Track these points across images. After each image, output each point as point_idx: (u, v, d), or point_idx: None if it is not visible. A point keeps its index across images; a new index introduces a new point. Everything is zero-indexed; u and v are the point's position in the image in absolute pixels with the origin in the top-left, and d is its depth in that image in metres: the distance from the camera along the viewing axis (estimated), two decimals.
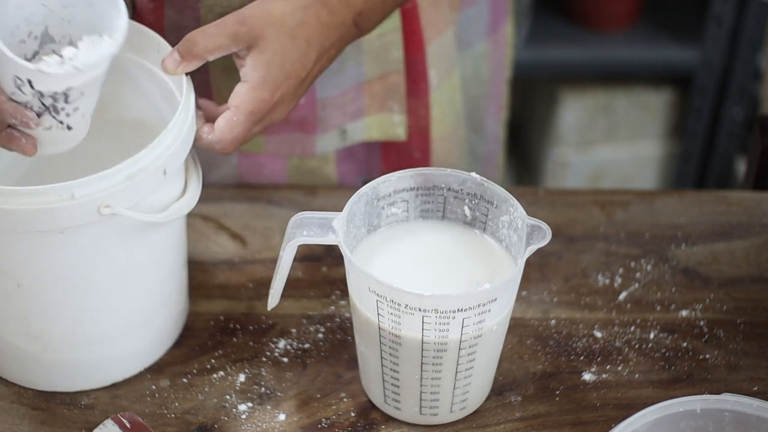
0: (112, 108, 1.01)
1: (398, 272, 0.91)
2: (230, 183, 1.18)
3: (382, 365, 0.91)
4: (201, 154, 1.16)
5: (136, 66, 0.98)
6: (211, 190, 1.11)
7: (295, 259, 0.92)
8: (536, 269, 1.06)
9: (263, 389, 0.96)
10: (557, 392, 0.97)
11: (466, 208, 0.94)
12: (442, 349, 0.88)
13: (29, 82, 0.85)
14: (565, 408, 0.96)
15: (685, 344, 1.01)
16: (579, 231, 1.11)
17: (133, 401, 0.95)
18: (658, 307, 1.04)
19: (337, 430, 0.94)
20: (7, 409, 0.95)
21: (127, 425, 0.89)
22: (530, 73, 2.04)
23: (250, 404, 0.95)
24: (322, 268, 1.06)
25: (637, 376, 0.98)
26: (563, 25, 2.11)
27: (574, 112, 2.15)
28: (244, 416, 0.94)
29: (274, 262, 0.92)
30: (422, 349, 0.88)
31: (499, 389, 0.97)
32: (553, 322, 1.03)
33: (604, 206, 1.13)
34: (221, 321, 1.02)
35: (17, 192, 0.84)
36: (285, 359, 0.99)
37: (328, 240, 0.89)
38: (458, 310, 0.85)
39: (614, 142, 2.19)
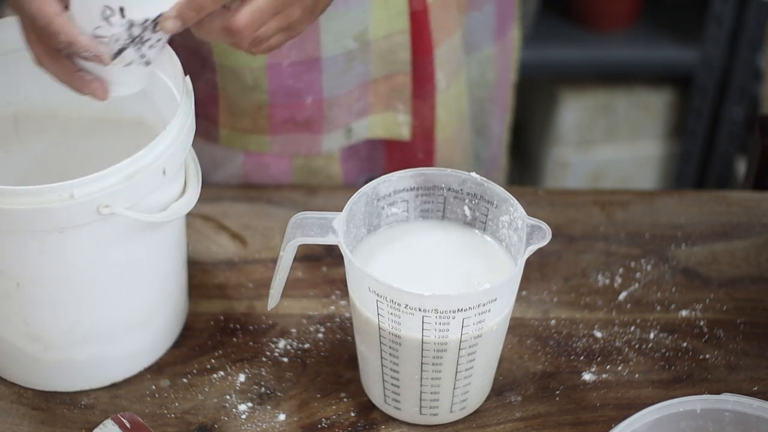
0: (112, 108, 1.01)
1: (398, 272, 0.91)
2: (235, 183, 1.18)
3: (382, 365, 0.91)
4: (205, 153, 1.16)
5: None
6: (211, 190, 1.11)
7: (295, 259, 0.92)
8: (536, 269, 1.06)
9: (263, 389, 0.96)
10: (557, 392, 0.97)
11: (466, 208, 0.94)
12: (442, 349, 0.88)
13: (121, 10, 0.82)
14: (565, 408, 0.96)
15: (685, 344, 1.01)
16: (579, 231, 1.11)
17: (133, 401, 0.95)
18: (658, 307, 1.04)
19: (337, 430, 0.94)
20: (7, 409, 0.95)
21: (127, 425, 0.89)
22: (530, 73, 2.04)
23: (250, 404, 0.95)
24: (322, 268, 1.06)
25: (637, 376, 0.98)
26: (563, 25, 2.11)
27: (574, 112, 2.15)
28: (244, 416, 0.94)
29: (274, 262, 0.92)
30: (422, 349, 0.88)
31: (499, 389, 0.97)
32: (553, 322, 1.03)
33: (604, 206, 1.13)
34: (221, 321, 1.02)
35: (16, 192, 0.84)
36: (285, 359, 0.99)
37: (328, 240, 0.89)
38: (458, 310, 0.85)
39: (614, 142, 2.19)
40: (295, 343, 1.00)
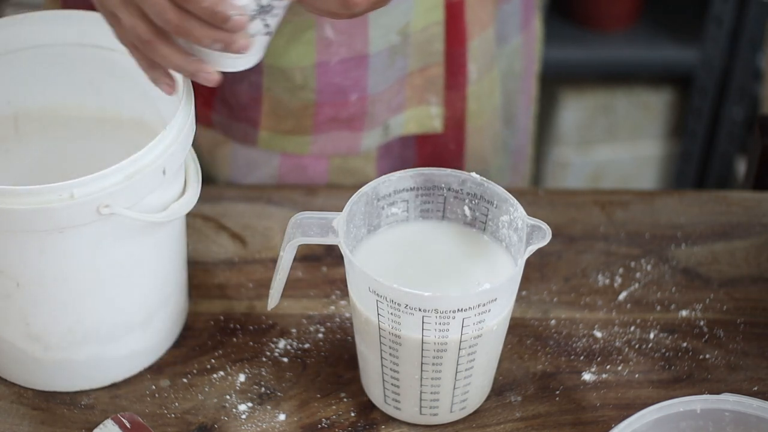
0: (112, 108, 1.02)
1: (398, 272, 0.91)
2: (270, 184, 1.17)
3: (382, 365, 0.91)
4: (240, 156, 1.16)
5: (137, 66, 0.98)
6: (211, 190, 1.11)
7: (295, 259, 0.92)
8: (536, 269, 1.06)
9: (263, 389, 0.96)
10: (557, 392, 0.97)
11: (466, 208, 0.94)
12: (442, 349, 0.88)
13: None
14: (565, 408, 0.96)
15: (685, 344, 1.01)
16: (579, 231, 1.11)
17: (133, 401, 0.95)
18: (658, 307, 1.04)
19: (337, 430, 0.94)
20: (7, 409, 0.95)
21: (127, 425, 0.89)
22: None
23: (250, 404, 0.95)
24: (322, 268, 1.06)
25: (637, 376, 0.98)
26: (563, 26, 2.11)
27: (574, 112, 2.15)
28: (244, 416, 0.94)
29: (274, 262, 0.92)
30: (422, 349, 0.88)
31: (499, 389, 0.97)
32: (553, 322, 1.03)
33: (604, 206, 1.13)
34: (221, 321, 1.02)
35: (16, 192, 0.84)
36: (285, 359, 0.99)
37: (328, 240, 0.89)
38: (458, 310, 0.85)
39: (614, 142, 2.19)
40: (295, 343, 1.00)
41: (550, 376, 0.98)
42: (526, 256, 0.87)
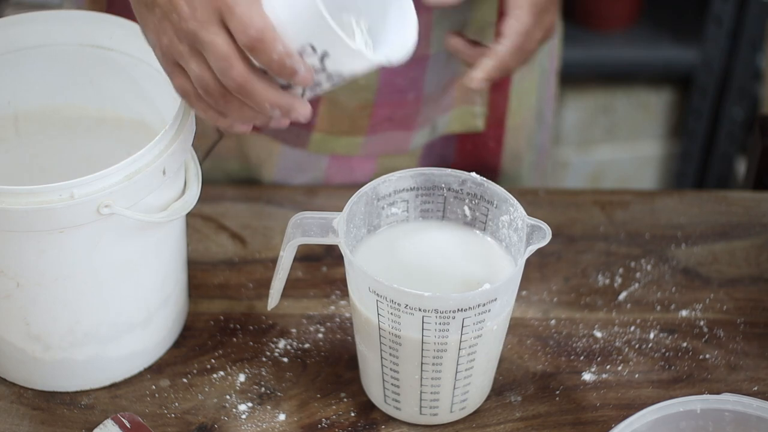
0: (112, 108, 1.02)
1: (398, 272, 0.91)
2: (318, 184, 1.18)
3: (382, 365, 0.91)
4: (288, 157, 1.16)
5: (136, 66, 0.98)
6: (211, 190, 1.11)
7: (295, 259, 0.92)
8: (536, 269, 1.06)
9: (263, 389, 0.96)
10: (557, 392, 0.97)
11: (466, 208, 0.94)
12: (442, 349, 0.88)
13: (323, 55, 0.82)
14: (565, 408, 0.96)
15: (685, 344, 1.01)
16: (579, 231, 1.11)
17: (133, 401, 0.95)
18: (658, 307, 1.04)
19: (337, 430, 0.94)
20: (7, 409, 0.95)
21: (127, 425, 0.89)
22: None
23: (250, 404, 0.95)
24: (322, 268, 1.06)
25: (637, 376, 0.98)
26: (563, 25, 2.11)
27: (574, 112, 2.15)
28: (244, 416, 0.94)
29: (274, 262, 0.92)
30: (422, 350, 0.88)
31: (499, 389, 0.97)
32: (553, 322, 1.03)
33: (604, 206, 1.13)
34: (221, 321, 1.02)
35: (16, 191, 0.84)
36: (285, 359, 0.99)
37: (328, 240, 0.89)
38: (458, 310, 0.85)
39: (614, 142, 2.19)
40: (295, 343, 1.00)
41: (550, 376, 0.98)
42: (526, 256, 0.87)
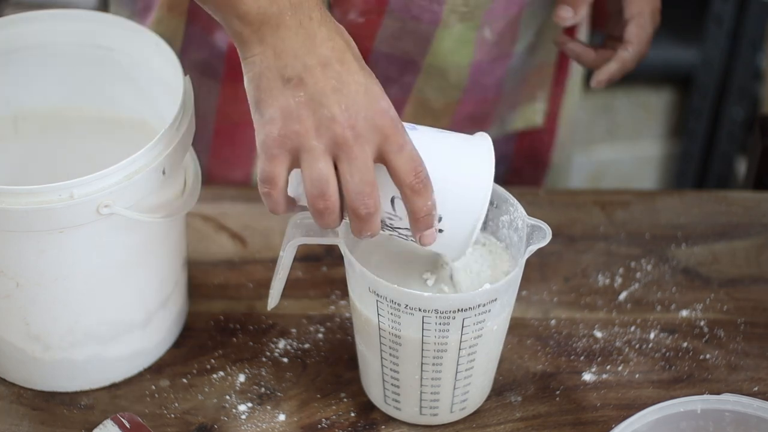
0: (112, 108, 1.01)
1: (398, 272, 0.91)
2: None
3: (382, 365, 0.91)
4: None
5: (136, 66, 0.98)
6: (211, 190, 1.11)
7: (295, 259, 0.92)
8: (536, 269, 1.06)
9: (263, 389, 0.96)
10: (557, 392, 0.97)
11: None
12: (442, 349, 0.88)
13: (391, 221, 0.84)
14: (565, 408, 0.96)
15: (685, 344, 1.01)
16: (579, 231, 1.11)
17: (132, 401, 0.95)
18: (659, 307, 1.04)
19: (337, 430, 0.94)
20: (7, 409, 0.95)
21: (127, 425, 0.89)
22: None
23: (250, 404, 0.95)
24: (322, 268, 1.06)
25: (637, 376, 0.98)
26: None
27: None
28: (244, 416, 0.94)
29: (274, 262, 0.92)
30: (422, 350, 0.88)
31: (499, 389, 0.97)
32: (553, 322, 1.03)
33: (604, 206, 1.13)
34: (221, 321, 1.02)
35: (16, 191, 0.84)
36: (285, 359, 0.99)
37: (328, 240, 0.89)
38: (458, 310, 0.85)
39: (614, 142, 2.18)
40: (295, 343, 1.00)
41: (550, 376, 0.98)
42: (526, 256, 0.87)
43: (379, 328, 0.88)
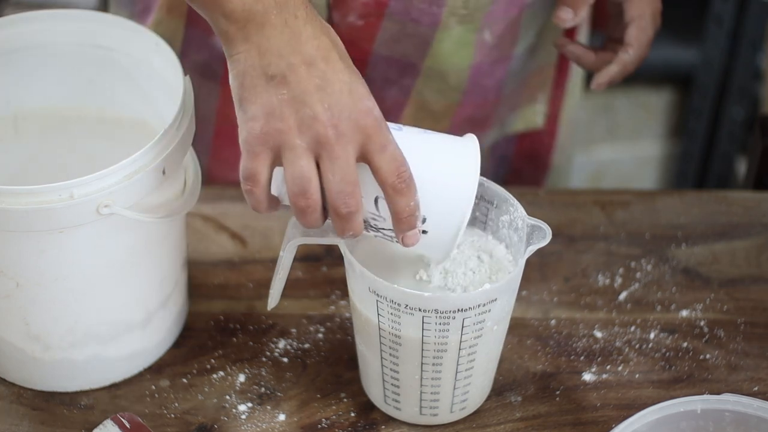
0: (112, 108, 1.01)
1: (398, 272, 0.91)
2: None
3: (382, 365, 0.91)
4: None
5: (136, 66, 0.98)
6: (211, 190, 1.11)
7: (295, 259, 0.92)
8: (536, 269, 1.06)
9: (263, 389, 0.96)
10: (557, 392, 0.97)
11: None
12: (442, 349, 0.88)
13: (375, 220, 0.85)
14: (565, 408, 0.96)
15: (685, 344, 1.01)
16: (579, 231, 1.11)
17: (132, 401, 0.95)
18: (659, 307, 1.04)
19: (337, 430, 0.94)
20: (7, 409, 0.95)
21: (127, 425, 0.89)
22: None
23: (250, 404, 0.95)
24: (322, 268, 1.06)
25: (637, 376, 0.98)
26: None
27: None
28: (244, 416, 0.94)
29: (274, 262, 0.92)
30: (422, 350, 0.88)
31: (499, 389, 0.97)
32: (553, 322, 1.03)
33: (604, 206, 1.13)
34: (221, 321, 1.02)
35: (16, 191, 0.84)
36: (285, 359, 0.99)
37: (328, 240, 0.89)
38: (458, 310, 0.85)
39: (614, 142, 2.18)
40: (295, 343, 1.00)
41: (550, 376, 0.98)
42: (527, 256, 0.87)
43: (379, 328, 0.88)
